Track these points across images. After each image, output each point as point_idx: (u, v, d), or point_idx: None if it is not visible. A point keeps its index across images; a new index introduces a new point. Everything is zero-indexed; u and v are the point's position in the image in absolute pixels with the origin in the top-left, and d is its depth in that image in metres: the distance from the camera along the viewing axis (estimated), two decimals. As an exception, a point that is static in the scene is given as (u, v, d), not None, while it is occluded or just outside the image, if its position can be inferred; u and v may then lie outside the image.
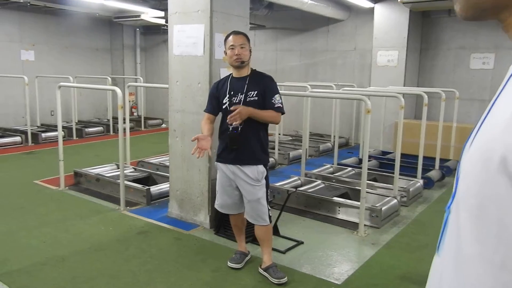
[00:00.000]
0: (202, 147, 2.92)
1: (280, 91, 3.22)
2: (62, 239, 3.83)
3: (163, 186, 5.03)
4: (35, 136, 8.40)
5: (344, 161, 6.59)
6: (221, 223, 3.94)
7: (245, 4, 4.21)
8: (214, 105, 3.23)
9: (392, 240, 4.00)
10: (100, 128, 9.74)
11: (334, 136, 6.96)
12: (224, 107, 3.15)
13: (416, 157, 5.67)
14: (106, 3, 8.42)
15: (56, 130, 8.42)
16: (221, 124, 3.22)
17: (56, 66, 10.28)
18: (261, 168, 3.13)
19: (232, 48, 3.09)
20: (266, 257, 3.26)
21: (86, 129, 9.44)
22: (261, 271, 3.24)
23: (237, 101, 3.09)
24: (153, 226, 4.20)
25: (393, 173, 5.10)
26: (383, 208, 4.32)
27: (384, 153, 7.47)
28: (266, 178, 3.19)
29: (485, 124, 0.65)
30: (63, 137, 8.63)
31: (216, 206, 3.39)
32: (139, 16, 9.68)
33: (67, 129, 9.08)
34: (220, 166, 3.22)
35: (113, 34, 11.85)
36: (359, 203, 4.18)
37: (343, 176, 5.72)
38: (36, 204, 4.80)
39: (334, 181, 5.45)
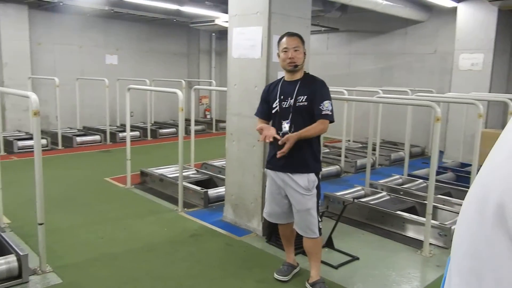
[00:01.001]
0: (268, 133, 2.85)
1: (350, 96, 3.03)
2: (118, 237, 3.95)
3: (221, 190, 5.01)
4: (113, 135, 8.92)
5: (415, 172, 6.12)
6: (272, 231, 3.81)
7: (306, 5, 4.04)
8: (265, 110, 3.11)
9: (462, 263, 3.58)
10: (173, 129, 10.08)
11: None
12: (274, 111, 3.02)
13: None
14: (181, 9, 8.70)
15: (134, 130, 8.95)
16: (270, 129, 3.09)
17: (137, 69, 10.84)
18: (312, 176, 2.96)
19: (285, 51, 2.96)
20: (313, 272, 3.07)
21: (160, 130, 9.84)
22: (308, 286, 3.06)
23: (286, 106, 2.95)
24: (207, 230, 4.18)
25: (469, 187, 4.60)
26: (452, 227, 3.90)
27: (464, 165, 6.83)
28: (318, 187, 3.00)
29: (488, 158, 0.49)
30: (138, 137, 9.19)
31: (264, 215, 3.27)
32: (213, 21, 9.88)
33: (143, 130, 9.54)
34: (270, 173, 3.09)
35: (190, 39, 12.25)
36: (424, 219, 3.82)
37: (412, 188, 5.28)
38: (101, 201, 5.02)
39: (401, 193, 5.06)
